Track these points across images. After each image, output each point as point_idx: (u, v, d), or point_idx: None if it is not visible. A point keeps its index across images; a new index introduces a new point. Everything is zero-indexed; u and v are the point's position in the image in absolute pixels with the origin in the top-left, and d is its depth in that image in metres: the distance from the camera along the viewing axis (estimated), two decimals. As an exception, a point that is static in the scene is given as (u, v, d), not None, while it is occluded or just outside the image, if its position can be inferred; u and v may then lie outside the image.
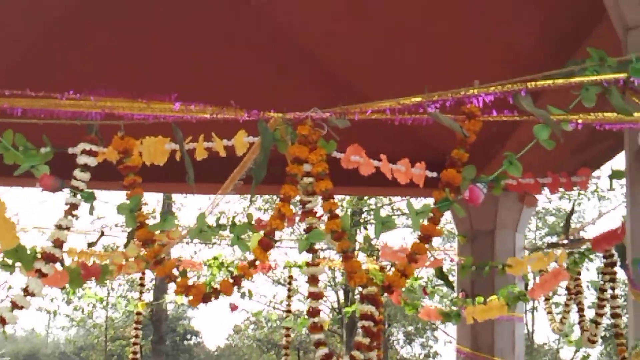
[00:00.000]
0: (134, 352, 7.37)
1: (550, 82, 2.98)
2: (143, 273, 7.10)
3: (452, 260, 6.96)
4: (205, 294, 2.84)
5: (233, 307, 8.16)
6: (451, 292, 6.45)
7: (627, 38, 3.18)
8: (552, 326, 5.78)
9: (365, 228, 21.26)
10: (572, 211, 12.71)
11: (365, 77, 4.78)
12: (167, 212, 18.08)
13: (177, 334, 34.44)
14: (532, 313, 25.60)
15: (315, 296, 2.96)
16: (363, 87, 4.79)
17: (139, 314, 7.40)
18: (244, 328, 34.44)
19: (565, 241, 5.30)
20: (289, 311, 7.62)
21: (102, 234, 6.20)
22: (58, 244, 2.78)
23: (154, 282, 25.21)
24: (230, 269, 7.07)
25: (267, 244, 2.88)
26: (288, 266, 7.83)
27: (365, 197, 22.74)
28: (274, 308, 23.96)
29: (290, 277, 8.01)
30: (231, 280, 2.86)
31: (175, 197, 21.10)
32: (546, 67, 3.07)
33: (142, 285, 7.61)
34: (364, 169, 3.14)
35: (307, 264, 2.98)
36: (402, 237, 25.49)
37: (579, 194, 19.97)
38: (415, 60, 4.41)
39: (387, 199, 22.01)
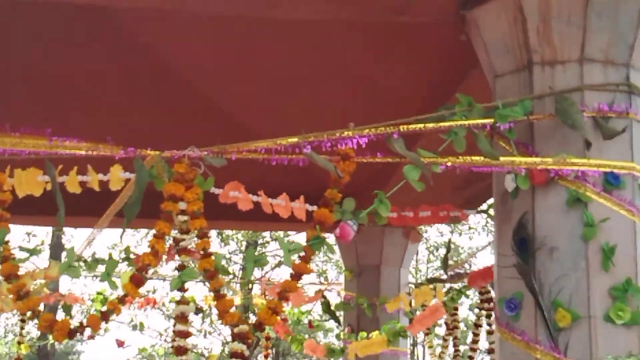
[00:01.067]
0: None
1: (421, 125, 3.08)
2: (23, 319, 6.81)
3: (339, 294, 7.01)
4: (70, 330, 2.80)
5: (119, 343, 7.98)
6: (338, 326, 6.49)
7: (496, 85, 3.32)
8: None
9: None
10: (448, 248, 13.00)
11: (252, 115, 4.81)
12: (55, 244, 17.65)
13: (65, 369, 33.39)
14: (423, 347, 25.92)
15: (183, 335, 2.94)
16: (252, 125, 4.82)
17: (18, 359, 7.03)
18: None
19: (445, 276, 5.42)
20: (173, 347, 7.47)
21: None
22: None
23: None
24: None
25: (138, 280, 2.86)
26: (173, 301, 7.69)
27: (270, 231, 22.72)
28: (166, 342, 23.53)
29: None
30: (99, 316, 2.83)
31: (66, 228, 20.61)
32: (424, 111, 3.18)
33: (22, 321, 7.21)
34: (242, 204, 3.17)
35: (177, 302, 2.97)
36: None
37: (469, 228, 20.47)
38: (297, 102, 4.48)
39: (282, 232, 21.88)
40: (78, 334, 2.83)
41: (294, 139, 3.02)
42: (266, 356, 7.29)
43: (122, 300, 2.89)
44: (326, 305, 6.61)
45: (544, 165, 2.98)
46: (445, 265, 5.78)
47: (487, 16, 3.31)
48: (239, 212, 3.24)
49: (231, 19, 3.80)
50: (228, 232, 21.67)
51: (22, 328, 7.17)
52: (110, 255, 3.23)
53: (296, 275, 2.99)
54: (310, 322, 7.38)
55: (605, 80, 3.09)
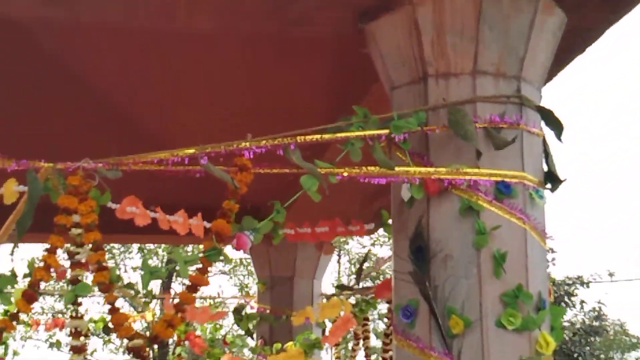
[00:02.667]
0: None
1: (318, 136, 3.11)
2: None
3: (252, 307, 7.00)
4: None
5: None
6: (250, 339, 6.48)
7: (393, 96, 3.37)
8: (342, 372, 5.92)
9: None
10: (365, 259, 13.14)
11: (155, 125, 4.77)
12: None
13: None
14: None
15: (78, 350, 2.90)
16: (155, 135, 4.78)
17: None
18: (54, 382, 32.97)
19: (355, 287, 5.47)
20: None
21: None
22: None
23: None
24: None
25: (30, 295, 2.81)
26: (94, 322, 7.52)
27: (182, 245, 22.57)
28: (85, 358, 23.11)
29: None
30: (-4, 329, 2.77)
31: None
32: (326, 122, 3.21)
33: None
34: (140, 220, 3.13)
35: (71, 317, 2.92)
36: (219, 285, 25.36)
37: (389, 239, 20.70)
38: (200, 113, 4.47)
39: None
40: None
41: (191, 150, 3.02)
42: None
43: (14, 317, 2.83)
44: (238, 318, 6.60)
45: (438, 174, 3.04)
46: (358, 275, 5.83)
47: (383, 29, 3.37)
48: (136, 226, 3.22)
49: (133, 30, 3.78)
50: (150, 246, 21.48)
51: None
52: (12, 270, 3.15)
53: (192, 287, 2.98)
54: (224, 338, 7.36)
55: (497, 92, 3.17)
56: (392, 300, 3.24)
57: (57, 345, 17.72)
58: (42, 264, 2.86)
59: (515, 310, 2.96)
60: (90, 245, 2.91)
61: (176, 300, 2.98)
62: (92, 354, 23.95)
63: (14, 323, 2.81)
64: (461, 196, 3.05)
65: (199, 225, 3.18)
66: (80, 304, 2.90)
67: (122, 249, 21.87)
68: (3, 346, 7.19)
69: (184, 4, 3.43)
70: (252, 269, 23.95)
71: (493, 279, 2.99)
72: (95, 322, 7.06)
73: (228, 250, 3.47)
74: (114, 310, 2.85)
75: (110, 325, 6.99)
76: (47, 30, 3.82)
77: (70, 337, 2.89)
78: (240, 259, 25.18)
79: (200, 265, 2.98)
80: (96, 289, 2.94)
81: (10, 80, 4.20)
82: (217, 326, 7.21)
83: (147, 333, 3.00)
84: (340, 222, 3.78)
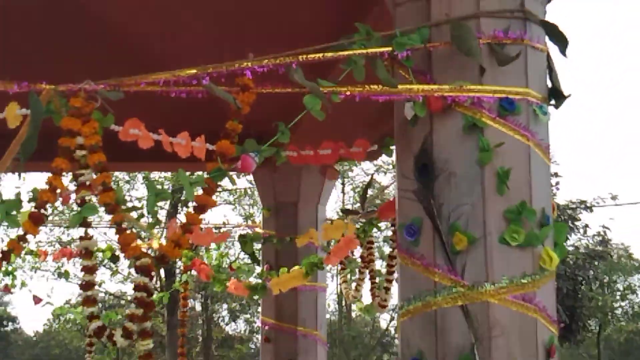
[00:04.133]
0: None
1: (320, 55, 3.09)
2: None
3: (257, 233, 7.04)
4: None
5: (36, 301, 7.87)
6: (256, 266, 6.54)
7: (396, 13, 3.33)
8: (347, 294, 5.98)
9: (187, 206, 21.13)
10: (370, 183, 13.17)
11: (158, 47, 4.73)
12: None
13: (-8, 320, 33.03)
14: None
15: (89, 270, 2.93)
16: (157, 58, 4.74)
17: None
18: (63, 312, 33.46)
19: (360, 212, 5.49)
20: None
21: None
22: None
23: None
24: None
25: (37, 217, 2.83)
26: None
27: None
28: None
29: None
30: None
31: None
32: (328, 43, 3.18)
33: None
34: (142, 143, 3.13)
35: (81, 238, 2.94)
36: (224, 215, 25.57)
37: (393, 167, 20.73)
38: (205, 33, 4.43)
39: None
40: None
41: (193, 71, 3.00)
42: (183, 317, 7.27)
43: (22, 239, 2.85)
44: (244, 245, 6.63)
45: (441, 92, 3.03)
46: (363, 199, 5.85)
47: (385, -55, 3.31)
48: (142, 153, 3.22)
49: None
50: (154, 175, 21.56)
51: None
52: (17, 194, 3.15)
53: (199, 208, 2.99)
54: (230, 265, 7.42)
55: (501, 7, 3.13)
56: (396, 219, 3.26)
57: (66, 275, 17.82)
58: (47, 186, 2.86)
59: (519, 226, 2.97)
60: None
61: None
62: (100, 285, 24.27)
63: (22, 244, 2.83)
64: (465, 113, 3.04)
65: (202, 148, 3.18)
66: (88, 225, 2.91)
67: (127, 180, 21.95)
68: (10, 276, 7.28)
69: None
70: (257, 199, 24.09)
71: (497, 195, 3.00)
72: (102, 251, 7.13)
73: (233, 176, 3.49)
74: (120, 231, 2.87)
75: (117, 253, 7.05)
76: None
77: (81, 258, 2.90)
78: (245, 189, 25.31)
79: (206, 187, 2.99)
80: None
81: (11, 3, 4.16)
82: (223, 253, 7.27)
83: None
84: (342, 144, 3.79)
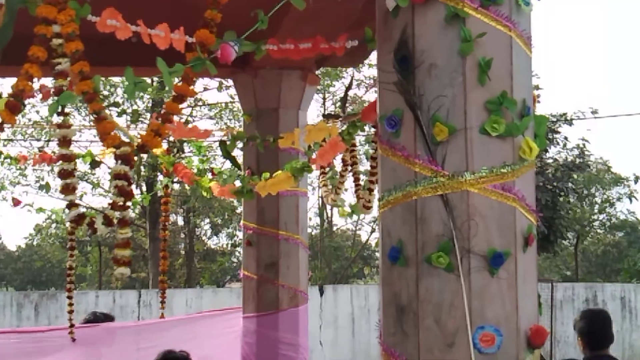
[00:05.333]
0: None
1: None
2: None
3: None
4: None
5: (16, 202, 7.87)
6: (237, 171, 6.52)
7: None
8: (327, 197, 6.00)
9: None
10: (350, 86, 13.11)
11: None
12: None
13: (-27, 235, 33.11)
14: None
15: (67, 158, 2.91)
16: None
17: None
18: (45, 227, 33.57)
19: (342, 116, 5.48)
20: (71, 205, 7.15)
21: None
22: None
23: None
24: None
25: (14, 105, 2.80)
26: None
27: (167, 88, 22.49)
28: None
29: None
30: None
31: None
32: None
33: None
34: (120, 34, 3.09)
35: (59, 126, 2.91)
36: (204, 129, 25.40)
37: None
38: None
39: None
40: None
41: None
42: (165, 221, 7.27)
43: (-1, 127, 2.83)
44: (225, 150, 6.61)
45: (423, -19, 2.98)
46: (344, 103, 5.83)
47: None
48: (121, 57, 3.17)
49: None
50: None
51: None
52: None
53: (178, 98, 2.97)
54: (212, 169, 7.41)
55: None
56: (377, 112, 3.25)
57: (47, 188, 17.74)
58: (23, 74, 2.83)
59: (499, 116, 2.97)
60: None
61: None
62: (81, 197, 24.26)
63: (-1, 134, 2.81)
64: (447, 3, 3.00)
65: (181, 40, 3.13)
66: (67, 114, 2.89)
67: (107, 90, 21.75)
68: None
69: None
70: (238, 113, 23.99)
71: (478, 86, 2.99)
72: (82, 156, 7.09)
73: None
74: (99, 119, 2.85)
75: (97, 159, 6.98)
76: None
77: (59, 146, 2.88)
78: (226, 103, 25.22)
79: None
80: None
81: None
82: (204, 158, 7.25)
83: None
84: (323, 39, 3.75)
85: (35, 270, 35.47)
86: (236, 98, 23.80)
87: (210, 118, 25.76)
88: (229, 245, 34.01)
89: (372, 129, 5.14)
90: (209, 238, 34.36)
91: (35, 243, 36.17)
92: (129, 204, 2.82)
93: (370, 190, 5.42)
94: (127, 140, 2.88)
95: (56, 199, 24.40)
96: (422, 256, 2.97)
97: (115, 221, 2.83)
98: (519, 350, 2.94)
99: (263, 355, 6.36)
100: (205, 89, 23.43)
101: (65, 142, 2.88)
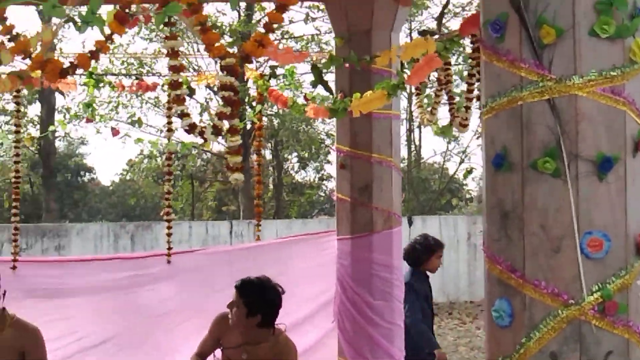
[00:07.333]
0: (16, 187, 6.69)
1: None
2: (18, 102, 6.70)
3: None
4: (62, 69, 2.81)
5: (114, 132, 8.06)
6: (329, 95, 6.52)
7: None
8: (422, 118, 5.96)
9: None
10: (447, 4, 12.86)
11: None
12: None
13: (70, 170, 34.16)
14: (419, 129, 26.35)
15: (176, 69, 2.96)
16: None
17: (17, 147, 6.68)
18: (137, 162, 34.40)
19: (438, 33, 5.40)
20: (168, 138, 7.21)
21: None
22: None
23: (39, 116, 24.71)
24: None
25: (122, 17, 2.85)
26: (164, 85, 7.50)
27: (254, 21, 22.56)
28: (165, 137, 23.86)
29: (169, 97, 7.39)
30: (89, 55, 2.84)
31: None
32: None
33: (18, 112, 6.96)
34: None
35: (166, 38, 2.96)
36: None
37: None
38: None
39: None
40: (70, 72, 2.84)
41: None
42: (258, 147, 7.35)
43: (108, 38, 2.89)
44: (317, 73, 6.61)
45: None
46: (440, 19, 5.73)
47: None
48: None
49: None
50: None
51: (17, 118, 6.85)
52: None
53: (281, 7, 2.98)
54: (305, 95, 7.43)
55: None
56: (480, 16, 3.19)
57: (139, 123, 18.08)
58: (131, -14, 2.87)
59: (609, 17, 2.88)
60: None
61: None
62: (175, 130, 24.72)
63: (108, 44, 2.87)
64: None
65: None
66: (173, 25, 2.92)
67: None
68: (90, 109, 7.43)
69: None
70: (325, 47, 23.90)
71: (587, -12, 2.90)
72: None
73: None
74: (204, 30, 2.88)
75: (192, 86, 7.10)
76: None
77: (168, 57, 2.93)
78: (312, 36, 25.11)
79: None
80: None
81: None
82: (297, 84, 7.27)
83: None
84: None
85: (129, 204, 36.45)
86: (322, 29, 23.75)
87: (297, 51, 25.71)
88: (316, 179, 34.27)
89: (471, 44, 5.06)
90: (296, 172, 34.67)
91: (128, 178, 37.12)
92: (235, 112, 2.86)
93: (467, 108, 5.36)
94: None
95: (147, 134, 24.94)
96: (527, 162, 2.93)
97: (223, 131, 2.88)
98: (628, 256, 2.90)
99: (358, 276, 6.42)
100: (291, 22, 23.39)
101: (173, 53, 2.93)
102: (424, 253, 7.45)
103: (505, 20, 3.00)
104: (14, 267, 6.51)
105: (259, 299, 4.94)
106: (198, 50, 21.56)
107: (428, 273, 7.55)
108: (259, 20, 22.63)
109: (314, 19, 21.57)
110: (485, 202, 3.10)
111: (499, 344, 3.00)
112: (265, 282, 5.07)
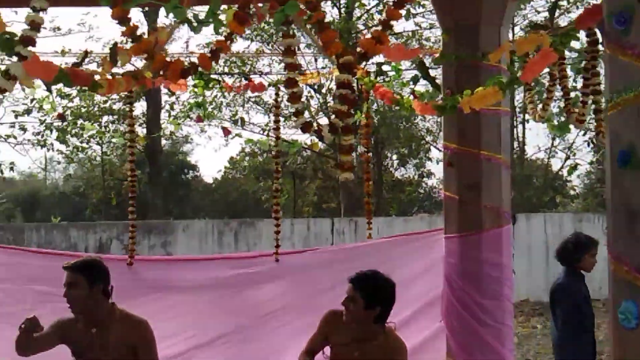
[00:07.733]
0: (132, 185, 6.85)
1: None
2: (131, 102, 6.83)
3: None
4: (183, 69, 2.86)
5: (226, 132, 8.21)
6: (437, 92, 6.44)
7: None
8: (533, 115, 5.83)
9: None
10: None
11: None
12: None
13: (174, 168, 34.94)
14: (523, 125, 25.90)
15: (292, 67, 2.97)
16: None
17: (131, 146, 6.82)
18: (239, 159, 34.95)
19: (550, 26, 5.26)
20: (277, 137, 7.24)
21: (86, 53, 6.05)
22: (34, 26, 2.76)
23: (145, 114, 25.35)
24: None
25: (242, 17, 2.88)
26: (273, 85, 7.53)
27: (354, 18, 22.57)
28: (268, 136, 24.13)
29: (277, 97, 7.32)
30: (209, 55, 2.87)
31: None
32: None
33: (131, 111, 6.91)
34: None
35: (284, 36, 2.97)
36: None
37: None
38: None
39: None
40: (192, 72, 2.88)
41: None
42: (367, 144, 7.34)
43: (228, 38, 2.92)
44: (423, 68, 6.53)
45: None
46: (552, 12, 5.60)
47: None
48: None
49: None
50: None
51: (131, 117, 6.98)
52: None
53: (399, 3, 2.95)
54: (413, 92, 7.36)
55: None
56: (604, 9, 3.09)
57: (242, 122, 18.37)
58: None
59: None
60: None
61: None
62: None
63: (229, 44, 2.90)
64: None
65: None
66: (290, 23, 2.93)
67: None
68: (202, 109, 7.56)
69: None
70: (426, 43, 23.70)
71: None
72: (274, 84, 7.27)
73: None
74: (322, 29, 2.88)
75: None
76: None
77: (284, 56, 2.94)
78: (413, 32, 24.92)
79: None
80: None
81: None
82: (404, 82, 7.23)
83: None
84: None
85: (231, 201, 37.03)
86: (424, 25, 23.54)
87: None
88: (416, 176, 34.08)
89: (587, 37, 4.92)
90: (395, 170, 34.55)
91: (230, 176, 37.73)
92: (351, 110, 2.85)
93: (584, 103, 5.21)
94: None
95: (249, 132, 25.27)
96: (655, 159, 2.83)
97: (339, 129, 2.88)
98: None
99: (467, 275, 6.33)
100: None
101: (290, 51, 2.94)
102: (576, 252, 7.20)
103: (631, 12, 2.90)
104: (130, 264, 6.67)
105: (375, 290, 4.93)
106: (298, 49, 21.70)
107: (583, 272, 7.27)
108: (360, 17, 22.62)
109: (414, 15, 21.42)
110: (610, 201, 3.00)
111: (625, 347, 2.90)
112: (378, 274, 5.07)
